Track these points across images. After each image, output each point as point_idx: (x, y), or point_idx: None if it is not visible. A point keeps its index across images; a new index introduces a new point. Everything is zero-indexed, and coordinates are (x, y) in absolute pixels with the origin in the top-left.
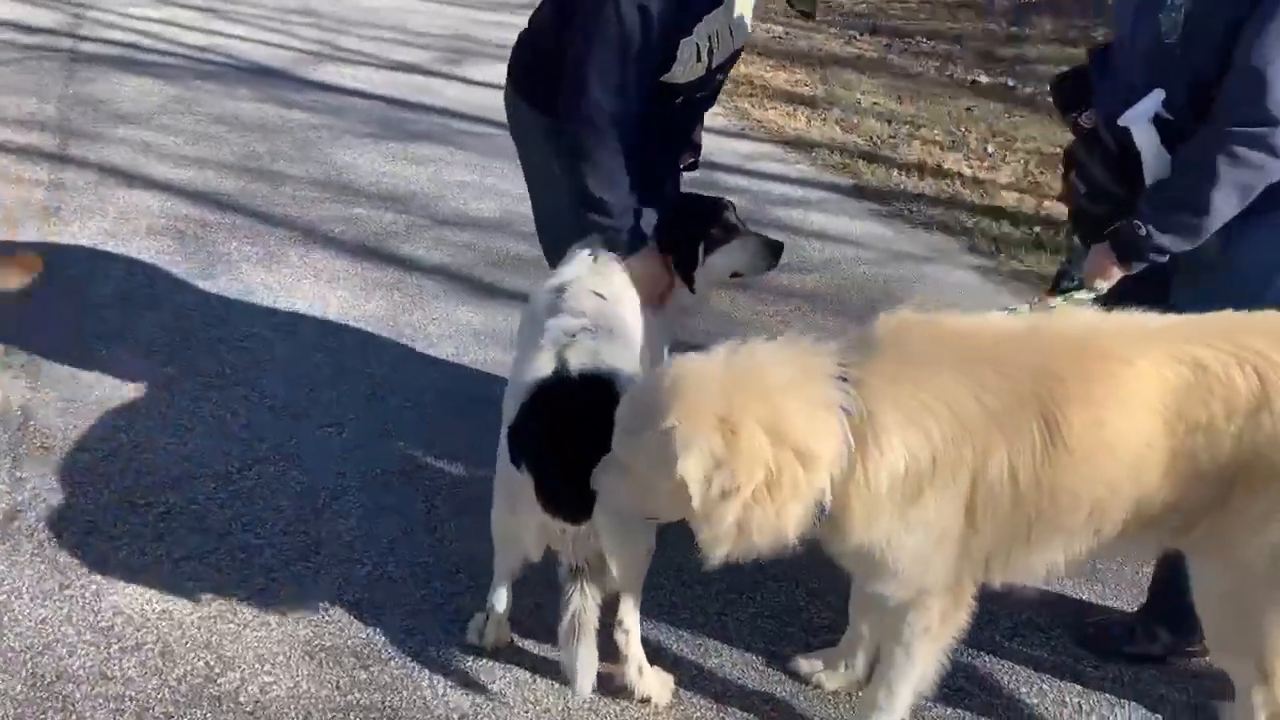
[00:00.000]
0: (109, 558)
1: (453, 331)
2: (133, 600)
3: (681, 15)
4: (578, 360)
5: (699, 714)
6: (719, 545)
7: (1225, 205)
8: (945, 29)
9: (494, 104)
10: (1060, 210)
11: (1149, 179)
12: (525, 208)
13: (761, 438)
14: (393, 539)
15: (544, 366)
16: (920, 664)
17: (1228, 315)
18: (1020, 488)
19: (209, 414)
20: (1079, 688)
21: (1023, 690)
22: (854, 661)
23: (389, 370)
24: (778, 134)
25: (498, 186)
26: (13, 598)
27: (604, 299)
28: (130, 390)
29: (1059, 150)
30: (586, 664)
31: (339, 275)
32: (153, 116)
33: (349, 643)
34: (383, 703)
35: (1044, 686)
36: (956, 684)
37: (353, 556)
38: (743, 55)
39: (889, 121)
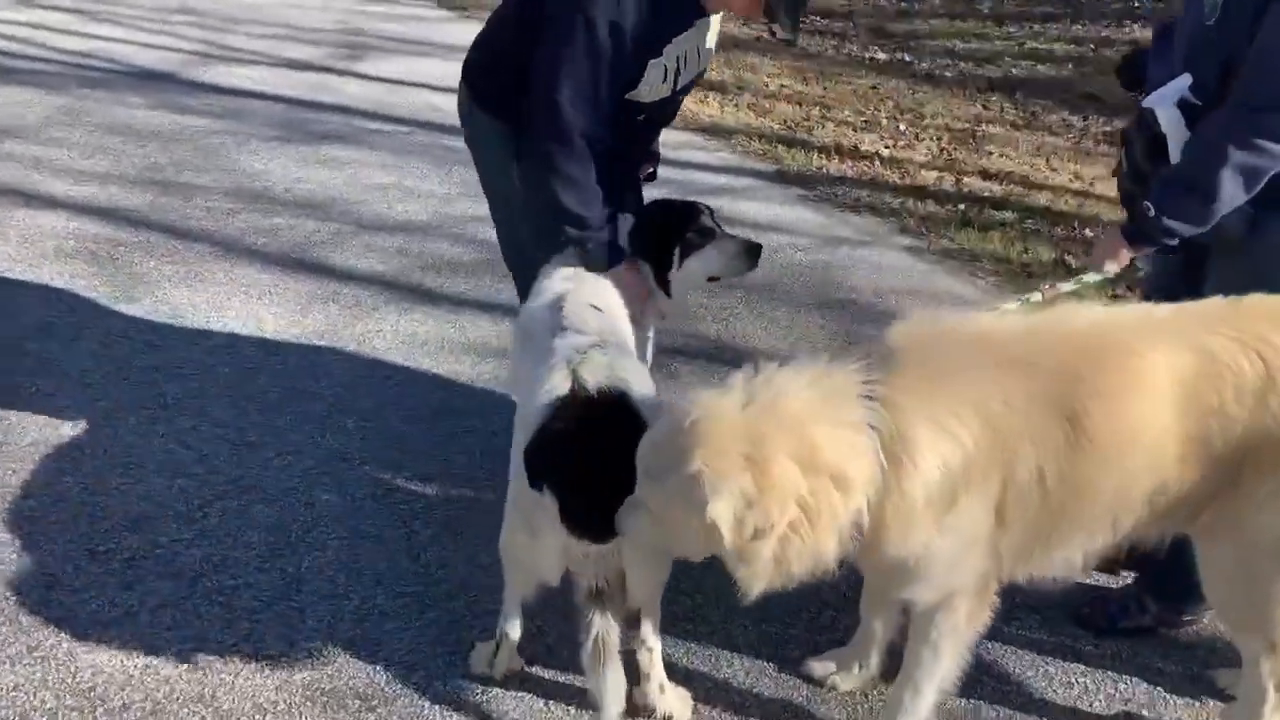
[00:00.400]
0: (77, 612)
1: (399, 343)
2: (111, 657)
3: (653, 36)
4: (593, 377)
5: None
6: (757, 581)
7: (1234, 190)
8: (837, 6)
9: (398, 100)
10: (980, 186)
11: (1174, 159)
12: (451, 209)
13: (793, 470)
14: (376, 569)
15: (559, 385)
16: (946, 662)
17: (1229, 301)
18: (1048, 485)
19: (158, 449)
20: (1082, 666)
21: (1029, 674)
22: (868, 661)
23: (341, 389)
24: (694, 121)
25: (419, 188)
26: None
27: (601, 312)
28: (68, 429)
29: (967, 126)
30: (615, 688)
31: (269, 290)
32: (40, 129)
33: (350, 684)
34: None
35: (1049, 669)
36: (967, 673)
37: (337, 591)
38: None
39: (799, 104)
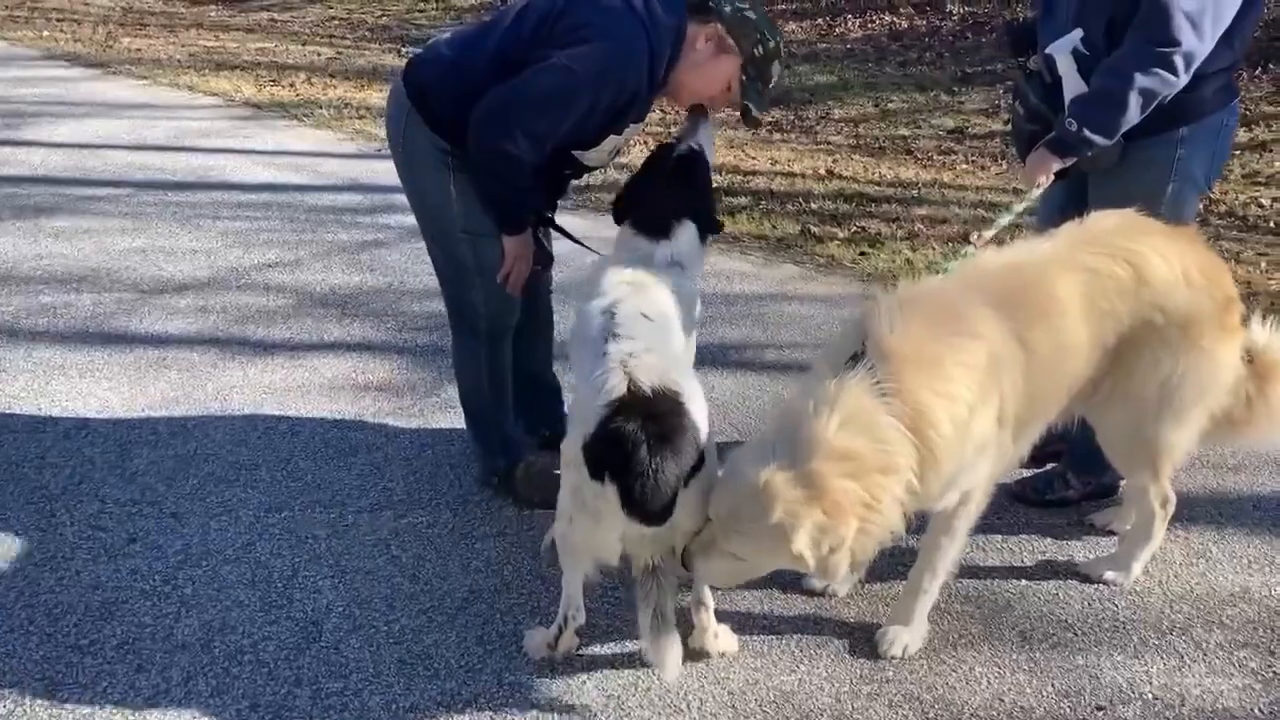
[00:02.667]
0: (101, 704)
1: (261, 394)
2: None
3: (624, 116)
4: (647, 378)
5: (763, 647)
6: (838, 576)
7: (1135, 107)
8: None
9: (96, 164)
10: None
11: (1068, 98)
12: (225, 261)
13: (849, 486)
14: (383, 597)
15: (617, 387)
16: (959, 545)
17: (1080, 225)
18: (1019, 396)
19: (75, 537)
20: (999, 537)
21: (967, 551)
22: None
23: (232, 446)
24: None
25: (177, 246)
26: None
27: (653, 321)
28: None
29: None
30: (674, 653)
31: (89, 368)
32: None
33: (424, 697)
34: None
35: (979, 541)
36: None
37: (359, 624)
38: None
39: None
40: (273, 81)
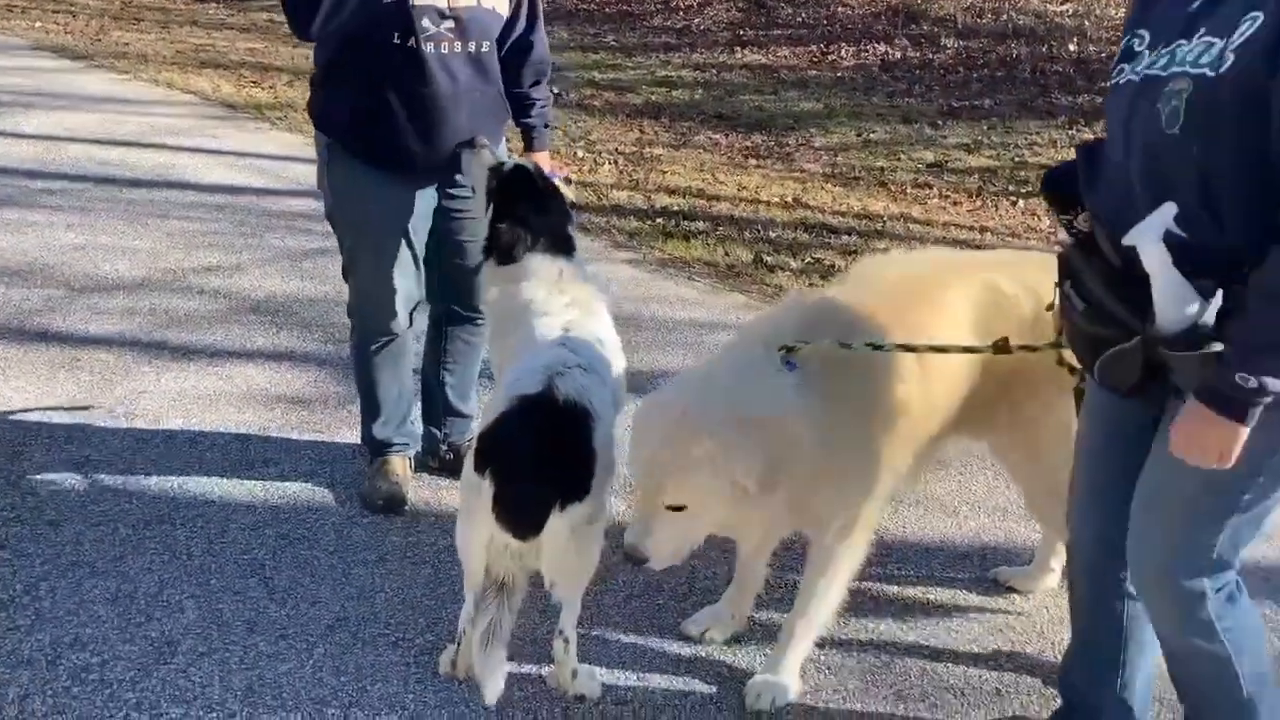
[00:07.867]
0: None
1: (170, 402)
2: None
3: None
4: (566, 388)
5: (626, 694)
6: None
7: None
8: None
9: (56, 157)
10: (667, 202)
11: (1160, 303)
12: (164, 263)
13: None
14: (245, 619)
15: (532, 386)
16: (837, 590)
17: (1011, 252)
18: (915, 406)
19: None
20: (896, 588)
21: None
22: (740, 611)
23: (127, 454)
24: None
25: (120, 245)
26: None
27: (603, 345)
28: None
29: (635, 149)
30: (495, 672)
31: None
32: None
33: None
34: None
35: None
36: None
37: (213, 647)
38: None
39: None
40: (254, 83)
